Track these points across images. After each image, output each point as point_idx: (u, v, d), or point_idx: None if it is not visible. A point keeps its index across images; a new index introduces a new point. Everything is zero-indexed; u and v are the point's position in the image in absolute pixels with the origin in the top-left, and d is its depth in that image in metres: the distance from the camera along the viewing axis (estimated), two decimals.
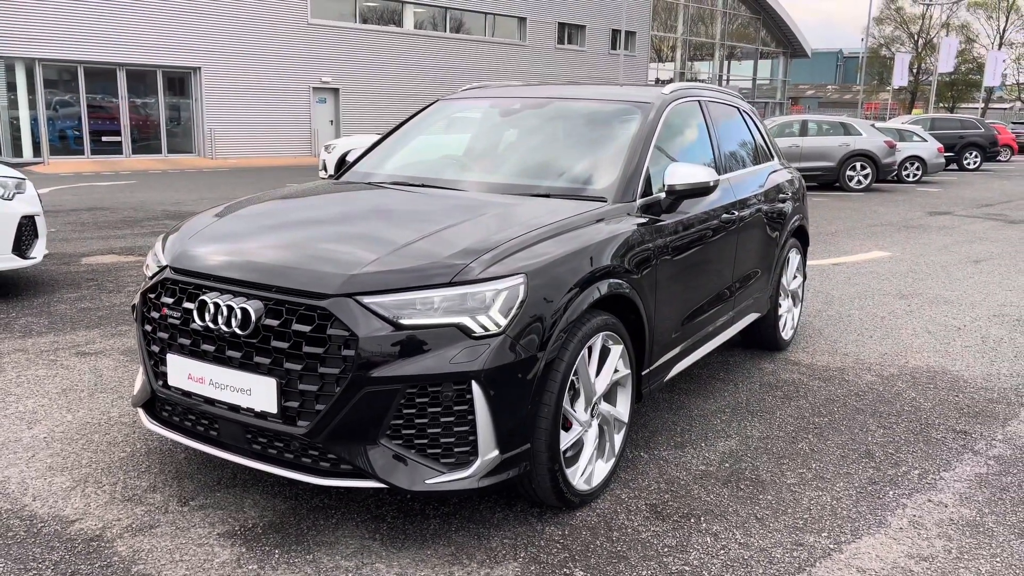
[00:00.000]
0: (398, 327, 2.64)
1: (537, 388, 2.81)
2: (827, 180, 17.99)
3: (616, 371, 3.31)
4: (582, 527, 3.04)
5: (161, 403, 3.11)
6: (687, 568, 2.79)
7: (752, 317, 4.87)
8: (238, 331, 2.74)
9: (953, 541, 3.02)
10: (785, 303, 5.38)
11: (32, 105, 22.26)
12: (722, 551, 2.90)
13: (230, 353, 2.80)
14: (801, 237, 5.55)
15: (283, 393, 2.70)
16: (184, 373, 2.91)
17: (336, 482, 2.72)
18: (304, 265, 2.81)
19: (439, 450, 2.71)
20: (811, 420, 4.19)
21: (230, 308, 2.76)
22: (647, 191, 3.66)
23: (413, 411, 2.67)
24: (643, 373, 3.55)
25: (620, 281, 3.23)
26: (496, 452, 2.74)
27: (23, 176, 6.50)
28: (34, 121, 22.28)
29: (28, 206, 6.32)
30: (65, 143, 23.12)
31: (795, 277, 5.52)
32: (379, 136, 4.77)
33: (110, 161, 22.86)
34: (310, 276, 2.75)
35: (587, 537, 2.97)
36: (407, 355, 2.64)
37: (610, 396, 3.35)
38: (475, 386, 2.65)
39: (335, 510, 3.09)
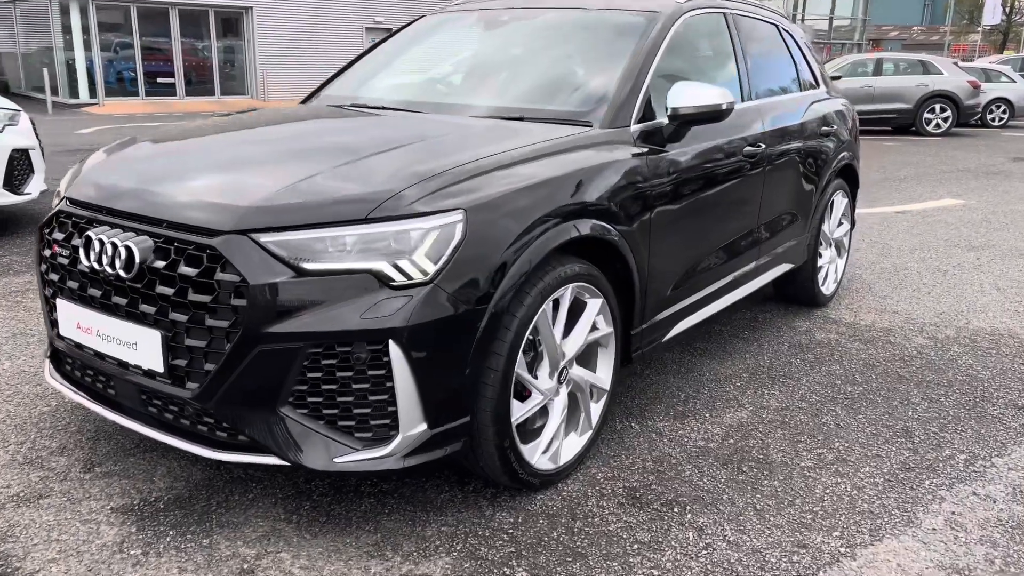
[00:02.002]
0: (300, 272, 2.16)
1: (479, 349, 2.31)
2: (902, 123, 16.77)
3: (595, 329, 2.78)
4: (540, 514, 2.54)
5: (64, 355, 2.71)
6: (656, 572, 2.28)
7: (784, 268, 4.25)
8: (122, 273, 2.30)
9: (999, 548, 2.44)
10: (826, 253, 4.72)
11: (87, 47, 22.29)
12: (704, 551, 2.38)
13: (116, 300, 2.36)
14: (849, 178, 4.85)
15: (169, 349, 2.26)
16: (73, 322, 2.49)
17: (231, 456, 2.28)
18: (200, 196, 2.33)
19: (352, 422, 2.24)
20: (842, 389, 3.59)
21: (114, 246, 2.31)
22: (647, 117, 3.07)
23: (319, 375, 2.19)
24: (632, 332, 3.00)
25: (600, 223, 2.68)
26: (424, 426, 2.25)
27: (17, 108, 6.19)
28: (89, 63, 22.33)
29: (21, 139, 6.02)
30: (122, 85, 23.17)
31: (840, 224, 4.84)
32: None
33: (164, 103, 22.83)
34: (202, 209, 2.27)
35: (543, 527, 2.48)
36: (310, 307, 2.15)
37: (587, 359, 2.83)
38: (393, 346, 2.15)
39: (256, 483, 2.66)
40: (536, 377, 2.58)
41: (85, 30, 22.22)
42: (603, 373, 2.87)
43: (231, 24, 24.96)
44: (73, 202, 2.59)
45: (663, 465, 2.87)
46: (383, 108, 3.31)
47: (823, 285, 4.71)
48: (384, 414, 2.22)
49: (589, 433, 2.83)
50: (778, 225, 4.05)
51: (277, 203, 2.24)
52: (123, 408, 2.51)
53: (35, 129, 6.29)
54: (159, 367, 2.27)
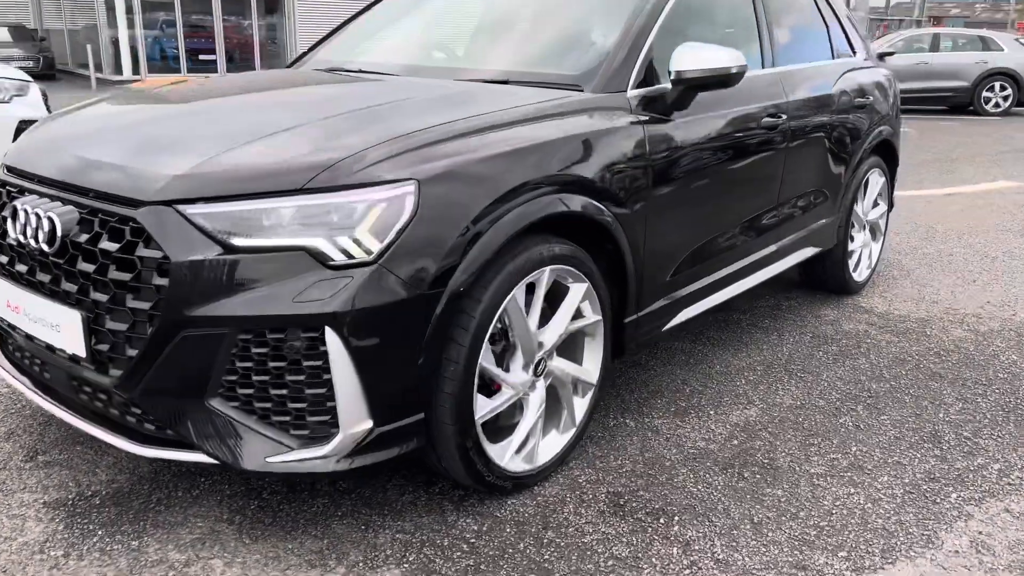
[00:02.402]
0: (229, 249, 1.92)
1: (435, 338, 2.05)
2: (959, 102, 15.98)
3: (580, 317, 2.50)
4: (509, 522, 2.29)
5: (5, 337, 2.52)
6: None
7: (809, 252, 3.90)
8: (45, 248, 2.09)
9: None
10: (859, 237, 4.36)
11: (130, 24, 22.42)
12: (687, 571, 2.10)
13: (40, 276, 2.15)
14: (887, 155, 4.46)
15: (91, 332, 2.04)
16: (3, 300, 2.29)
17: (157, 452, 2.06)
18: (128, 163, 2.11)
19: (288, 418, 2.00)
20: (867, 386, 3.25)
21: (38, 217, 2.10)
22: (649, 81, 2.76)
23: (250, 365, 1.96)
24: (626, 320, 2.71)
25: (585, 199, 2.40)
26: (369, 423, 2.01)
27: (28, 80, 6.09)
28: (132, 40, 22.46)
29: (29, 110, 5.92)
30: (164, 62, 23.27)
31: (875, 205, 4.46)
32: None
33: None
34: (128, 177, 2.05)
35: (509, 537, 2.22)
36: (240, 289, 1.92)
37: (572, 350, 2.55)
38: (330, 334, 1.91)
39: (205, 477, 2.45)
40: (507, 370, 2.32)
41: (129, 8, 22.35)
42: (590, 365, 2.59)
43: (273, 2, 24.89)
44: (10, 170, 2.39)
45: (655, 468, 2.59)
46: (361, 72, 3.05)
47: (855, 271, 4.35)
48: (323, 409, 1.98)
49: (572, 431, 2.56)
50: (802, 205, 3.70)
51: (206, 171, 2.00)
52: (56, 395, 2.31)
53: (46, 102, 6.19)
54: (81, 351, 2.05)
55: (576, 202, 2.36)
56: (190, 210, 1.94)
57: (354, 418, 1.98)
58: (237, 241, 1.92)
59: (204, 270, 1.90)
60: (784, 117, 3.34)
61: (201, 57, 23.72)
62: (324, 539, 2.19)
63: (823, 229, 3.94)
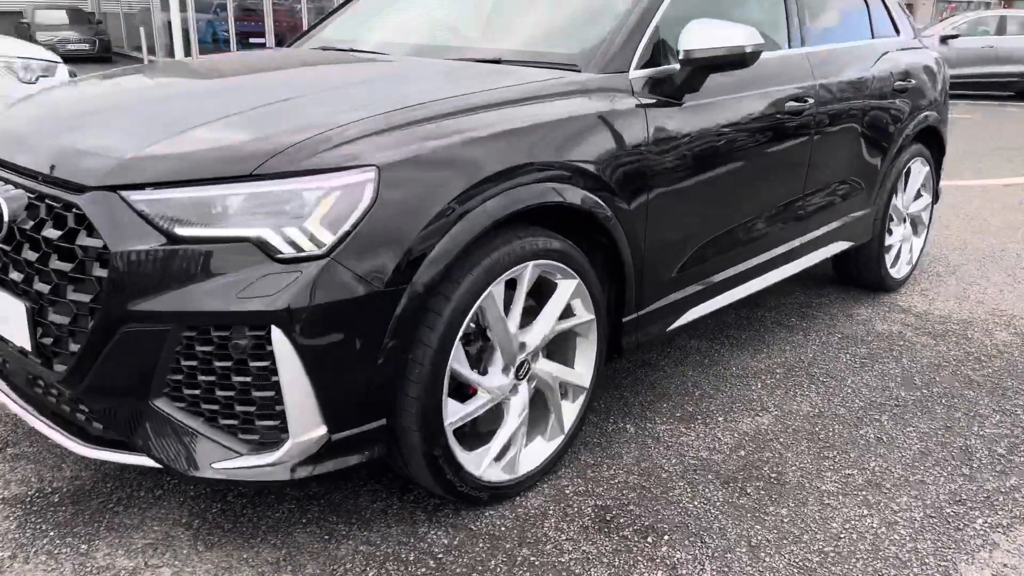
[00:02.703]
0: (172, 239, 1.78)
1: (396, 339, 1.89)
2: None
3: (571, 316, 2.32)
4: (482, 536, 2.13)
5: None
6: None
7: (840, 246, 3.64)
8: None
9: None
10: (898, 230, 4.07)
11: (183, 7, 22.66)
12: None
13: None
14: (931, 143, 4.15)
15: (36, 324, 1.92)
16: None
17: (101, 453, 1.95)
18: (78, 145, 1.98)
19: (235, 421, 1.86)
20: (895, 393, 3.01)
21: None
22: (656, 61, 2.55)
23: (195, 364, 1.82)
24: (624, 320, 2.52)
25: (576, 189, 2.21)
26: (322, 430, 1.86)
27: (56, 60, 6.08)
28: (184, 22, 22.70)
29: None
30: (216, 45, 23.50)
31: (918, 197, 4.17)
32: None
33: None
34: (75, 160, 1.92)
35: (480, 554, 2.06)
36: (183, 282, 1.78)
37: (563, 351, 2.38)
38: (276, 333, 1.76)
39: (171, 477, 2.33)
40: (485, 372, 2.15)
41: None
42: (582, 367, 2.41)
43: None
44: None
45: (650, 480, 2.40)
46: (352, 51, 2.89)
47: (893, 267, 4.07)
48: (272, 414, 1.84)
49: (560, 438, 2.38)
50: (832, 196, 3.44)
51: (154, 154, 1.87)
52: (17, 388, 2.22)
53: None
54: (27, 344, 1.94)
55: (566, 193, 2.18)
56: (134, 196, 1.80)
57: (305, 424, 1.84)
58: (181, 231, 1.78)
59: (146, 261, 1.77)
60: (811, 101, 3.09)
61: (251, 40, 23.91)
62: (283, 548, 2.05)
63: (857, 222, 3.68)
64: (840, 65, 3.36)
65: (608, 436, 2.64)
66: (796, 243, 3.27)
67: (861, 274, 4.02)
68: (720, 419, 2.77)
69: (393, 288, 1.85)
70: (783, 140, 2.99)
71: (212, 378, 1.82)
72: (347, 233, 1.79)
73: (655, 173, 2.44)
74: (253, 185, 1.80)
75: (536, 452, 2.33)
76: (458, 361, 2.02)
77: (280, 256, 1.76)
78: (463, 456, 2.11)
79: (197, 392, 1.84)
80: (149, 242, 1.78)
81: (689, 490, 2.35)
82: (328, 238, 1.78)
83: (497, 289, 2.06)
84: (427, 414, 1.97)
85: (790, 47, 3.17)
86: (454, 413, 2.06)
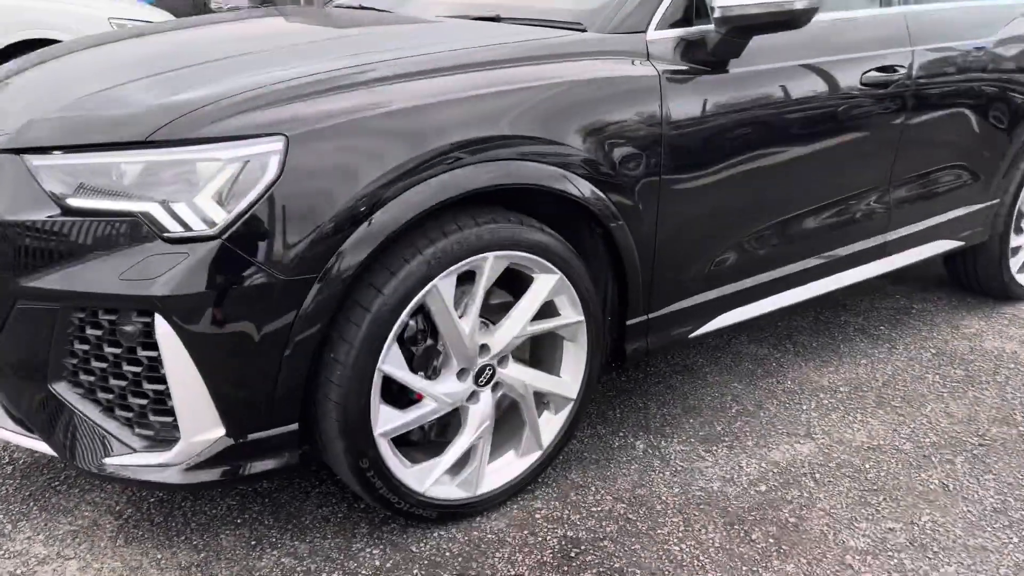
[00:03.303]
0: (66, 210, 1.62)
1: (308, 335, 1.65)
2: None
3: (554, 315, 2.01)
4: (422, 560, 1.87)
5: None
6: None
7: (944, 246, 3.08)
8: None
9: None
10: None
11: None
12: None
13: None
14: None
15: None
16: None
17: (6, 434, 1.83)
18: (4, 107, 1.86)
19: (131, 414, 1.69)
20: (983, 429, 2.49)
21: None
22: (689, 20, 2.16)
23: (88, 347, 1.66)
24: (630, 323, 2.17)
25: (556, 170, 1.89)
26: (219, 431, 1.66)
27: (149, 21, 6.21)
28: None
29: None
30: None
31: None
32: None
33: None
34: None
35: None
36: (76, 258, 1.61)
37: (548, 356, 2.07)
38: (160, 321, 1.57)
39: None
40: (434, 376, 1.88)
41: None
42: (568, 375, 2.09)
43: None
44: None
45: (640, 511, 2.06)
46: (362, 7, 2.66)
47: (1020, 272, 3.43)
48: (166, 409, 1.65)
49: (537, 455, 2.08)
50: (933, 186, 2.89)
51: (63, 115, 1.71)
52: None
53: None
54: None
55: (540, 174, 1.86)
56: (36, 161, 1.65)
57: (199, 424, 1.64)
58: (74, 201, 1.61)
59: (37, 233, 1.62)
60: (903, 72, 2.58)
61: None
62: (203, 552, 1.88)
63: (969, 218, 3.09)
64: (951, 29, 2.80)
65: (610, 453, 2.31)
66: (877, 240, 2.77)
67: (979, 279, 3.42)
68: (750, 443, 2.37)
69: (299, 278, 1.61)
70: (859, 118, 2.51)
71: (104, 365, 1.66)
72: (243, 212, 1.57)
73: (670, 151, 2.06)
74: (148, 153, 1.60)
75: (505, 469, 2.05)
76: (393, 363, 1.76)
77: (167, 235, 1.56)
78: (401, 470, 1.85)
79: (93, 379, 1.68)
80: (41, 212, 1.62)
81: (682, 528, 2.00)
82: (220, 217, 1.56)
83: (445, 283, 1.78)
84: (350, 421, 1.73)
85: (880, 5, 2.65)
86: (388, 421, 1.80)
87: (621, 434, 2.40)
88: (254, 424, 1.68)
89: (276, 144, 1.58)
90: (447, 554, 1.90)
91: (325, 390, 1.72)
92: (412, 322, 1.82)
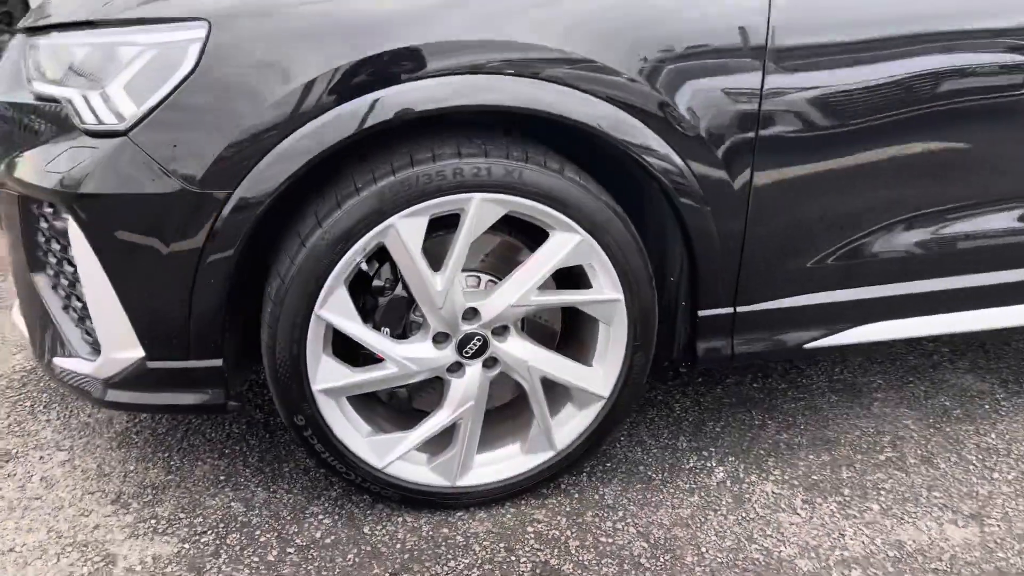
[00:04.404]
0: (35, 95, 1.54)
1: (219, 257, 1.41)
2: None
3: (585, 288, 1.57)
4: (363, 544, 1.59)
5: None
6: None
7: None
8: None
9: None
10: None
11: None
12: None
13: None
14: None
15: None
16: None
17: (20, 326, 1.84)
18: None
19: (77, 314, 1.60)
20: None
21: None
22: None
23: (43, 240, 1.59)
24: (703, 314, 1.64)
25: (580, 94, 1.43)
26: (138, 352, 1.50)
27: None
28: None
29: None
30: None
31: None
32: None
33: None
34: None
35: (336, 564, 1.54)
36: (28, 144, 1.53)
37: (587, 341, 1.64)
38: (71, 221, 1.43)
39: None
40: (405, 335, 1.55)
41: None
42: (601, 368, 1.63)
43: None
44: None
45: (659, 559, 1.57)
46: None
47: None
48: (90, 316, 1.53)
49: (548, 456, 1.67)
50: None
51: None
52: None
53: None
54: None
55: (543, 91, 1.40)
56: (41, 40, 1.58)
57: (117, 339, 1.50)
58: (37, 86, 1.52)
59: (12, 117, 1.56)
60: None
61: None
62: (171, 475, 1.78)
63: None
64: None
65: (673, 474, 1.80)
66: None
67: None
68: (876, 507, 1.71)
69: (212, 191, 1.37)
70: None
71: (54, 260, 1.57)
72: (153, 108, 1.35)
73: (769, 81, 1.47)
74: (91, 34, 1.44)
75: (503, 463, 1.67)
76: (336, 310, 1.46)
77: (84, 126, 1.40)
78: (351, 437, 1.56)
79: (52, 274, 1.61)
80: (23, 97, 1.55)
81: (695, 561, 1.48)
82: (129, 110, 1.36)
83: (409, 224, 1.42)
84: (280, 369, 1.48)
85: None
86: (333, 377, 1.52)
87: (704, 453, 1.87)
88: (172, 352, 1.49)
89: (197, 31, 1.34)
90: (396, 546, 1.58)
91: (262, 329, 1.48)
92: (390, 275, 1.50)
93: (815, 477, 1.80)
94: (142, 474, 1.77)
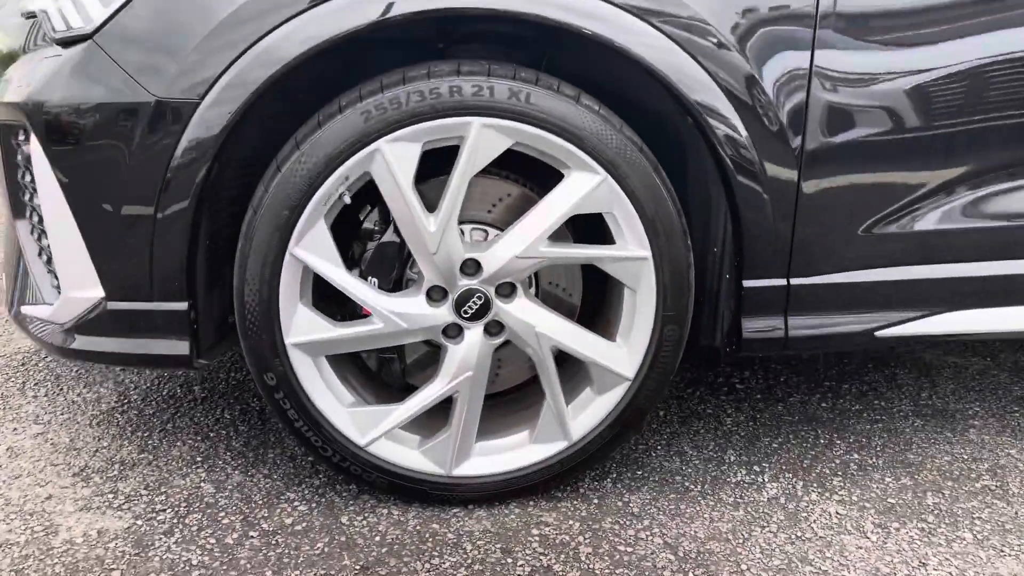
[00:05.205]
0: (23, 14, 1.45)
1: (183, 181, 1.25)
2: None
3: (606, 243, 1.35)
4: (338, 535, 1.36)
5: None
6: None
7: None
8: None
9: None
10: None
11: None
12: None
13: None
14: None
15: None
16: None
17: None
18: None
19: (47, 256, 1.46)
20: None
21: None
22: None
23: (21, 178, 1.47)
24: (748, 285, 1.38)
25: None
26: (99, 292, 1.34)
27: None
28: None
29: None
30: None
31: None
32: None
33: None
34: None
35: (300, 556, 1.31)
36: (23, 63, 1.44)
37: (612, 312, 1.41)
38: (33, 139, 1.30)
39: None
40: (394, 285, 1.35)
41: None
42: (625, 343, 1.38)
43: None
44: None
45: (686, 575, 1.27)
46: None
47: None
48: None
49: (561, 447, 1.41)
50: None
51: None
52: None
53: None
54: None
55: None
56: None
57: (77, 276, 1.35)
58: (24, 3, 1.43)
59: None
60: None
61: None
62: (144, 454, 1.60)
63: None
64: None
65: (717, 486, 1.51)
66: None
67: None
68: (970, 536, 1.38)
69: (177, 99, 1.22)
70: None
71: (28, 197, 1.45)
72: (120, 7, 1.22)
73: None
74: None
75: (510, 453, 1.43)
76: (315, 250, 1.28)
77: (55, 35, 1.29)
78: (329, 404, 1.35)
79: (29, 217, 1.49)
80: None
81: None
82: (98, 12, 1.24)
83: (397, 149, 1.24)
84: (248, 316, 1.30)
85: None
86: (310, 330, 1.32)
87: (756, 468, 1.57)
88: (136, 292, 1.33)
89: None
90: (375, 538, 1.35)
91: (232, 268, 1.30)
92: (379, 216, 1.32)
93: (892, 500, 1.47)
94: (114, 451, 1.60)
